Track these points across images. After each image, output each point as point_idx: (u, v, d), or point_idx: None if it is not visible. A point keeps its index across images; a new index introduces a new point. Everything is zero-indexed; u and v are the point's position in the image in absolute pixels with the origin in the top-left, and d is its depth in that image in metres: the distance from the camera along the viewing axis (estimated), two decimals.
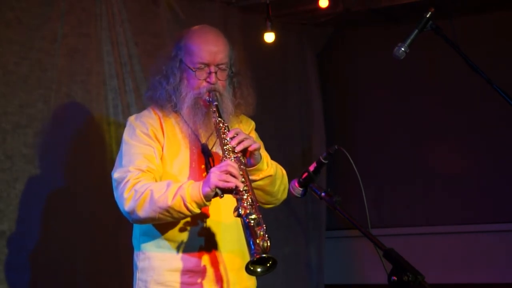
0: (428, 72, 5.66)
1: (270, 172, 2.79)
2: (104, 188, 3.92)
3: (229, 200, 2.57)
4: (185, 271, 2.74)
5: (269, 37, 4.94)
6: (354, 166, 2.41)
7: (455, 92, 5.57)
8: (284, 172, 2.92)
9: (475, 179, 5.55)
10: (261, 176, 2.77)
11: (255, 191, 2.67)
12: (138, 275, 2.82)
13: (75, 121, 4.08)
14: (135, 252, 2.86)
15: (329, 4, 5.00)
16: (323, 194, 2.38)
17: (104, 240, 4.08)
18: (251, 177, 2.69)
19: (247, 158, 2.69)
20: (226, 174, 2.51)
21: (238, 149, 2.63)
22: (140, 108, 4.18)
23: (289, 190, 2.55)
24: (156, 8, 4.55)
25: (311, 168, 2.45)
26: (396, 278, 2.13)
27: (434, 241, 5.64)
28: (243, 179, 2.54)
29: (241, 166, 2.58)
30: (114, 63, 4.21)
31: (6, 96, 3.75)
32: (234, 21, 5.14)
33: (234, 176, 2.51)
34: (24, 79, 3.82)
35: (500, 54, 5.35)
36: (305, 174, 2.45)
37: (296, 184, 2.48)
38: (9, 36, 3.78)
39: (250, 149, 2.66)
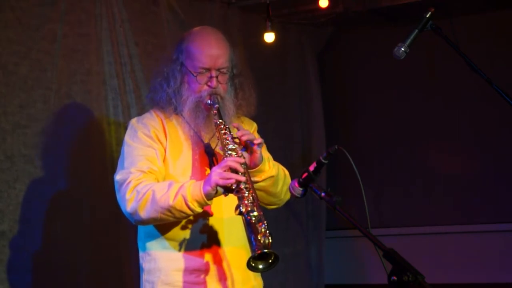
0: (428, 72, 5.66)
1: (272, 173, 2.79)
2: (104, 188, 3.94)
3: (231, 197, 2.58)
4: (192, 271, 2.74)
5: (269, 37, 4.94)
6: (354, 166, 2.41)
7: (455, 92, 5.58)
8: (287, 172, 2.93)
9: (475, 180, 5.55)
10: (263, 177, 2.77)
11: (258, 192, 2.68)
12: (144, 276, 2.82)
13: (75, 121, 4.08)
14: (141, 254, 2.85)
15: (329, 4, 5.01)
16: (323, 194, 2.38)
17: (104, 240, 4.08)
18: (253, 179, 2.70)
19: (248, 154, 2.70)
20: (227, 170, 2.52)
21: (243, 139, 2.64)
22: (140, 108, 4.19)
23: (289, 190, 2.55)
24: (156, 8, 4.55)
25: (311, 168, 2.44)
26: (396, 278, 2.13)
27: (434, 241, 5.64)
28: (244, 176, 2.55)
29: (242, 165, 2.58)
30: (114, 63, 4.21)
31: (6, 96, 3.74)
32: (234, 21, 5.14)
33: (235, 171, 2.52)
34: (24, 79, 3.82)
35: (500, 54, 5.35)
36: (305, 174, 2.45)
37: (296, 184, 2.48)
38: (9, 36, 3.77)
39: (255, 141, 2.67)
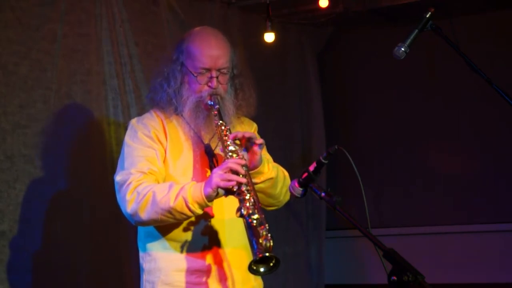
0: (428, 72, 5.67)
1: (272, 174, 2.79)
2: (104, 188, 3.94)
3: (232, 198, 2.58)
4: (192, 271, 2.74)
5: (269, 37, 4.94)
6: (354, 166, 2.41)
7: (455, 92, 5.58)
8: (287, 174, 2.92)
9: (475, 180, 5.55)
10: (262, 179, 2.77)
11: (257, 194, 2.67)
12: (144, 277, 2.81)
13: (75, 121, 4.08)
14: (141, 254, 2.85)
15: (329, 4, 5.01)
16: (323, 194, 2.38)
17: (104, 240, 4.08)
18: (253, 180, 2.69)
19: (249, 155, 2.70)
20: (228, 171, 2.52)
21: (245, 135, 2.64)
22: (140, 108, 4.19)
23: (289, 190, 2.55)
24: (156, 8, 4.55)
25: (311, 168, 2.44)
26: (396, 278, 2.13)
27: (434, 241, 5.64)
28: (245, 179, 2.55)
29: (243, 167, 2.58)
30: (114, 63, 4.21)
31: (6, 96, 3.74)
32: (234, 21, 5.14)
33: (236, 173, 2.52)
34: (24, 79, 3.82)
35: (500, 54, 5.35)
36: (305, 174, 2.45)
37: (296, 184, 2.48)
38: (9, 36, 3.77)
39: (256, 141, 2.67)
